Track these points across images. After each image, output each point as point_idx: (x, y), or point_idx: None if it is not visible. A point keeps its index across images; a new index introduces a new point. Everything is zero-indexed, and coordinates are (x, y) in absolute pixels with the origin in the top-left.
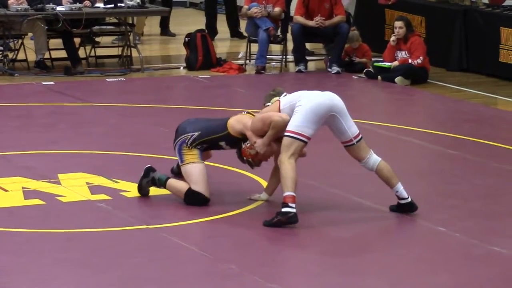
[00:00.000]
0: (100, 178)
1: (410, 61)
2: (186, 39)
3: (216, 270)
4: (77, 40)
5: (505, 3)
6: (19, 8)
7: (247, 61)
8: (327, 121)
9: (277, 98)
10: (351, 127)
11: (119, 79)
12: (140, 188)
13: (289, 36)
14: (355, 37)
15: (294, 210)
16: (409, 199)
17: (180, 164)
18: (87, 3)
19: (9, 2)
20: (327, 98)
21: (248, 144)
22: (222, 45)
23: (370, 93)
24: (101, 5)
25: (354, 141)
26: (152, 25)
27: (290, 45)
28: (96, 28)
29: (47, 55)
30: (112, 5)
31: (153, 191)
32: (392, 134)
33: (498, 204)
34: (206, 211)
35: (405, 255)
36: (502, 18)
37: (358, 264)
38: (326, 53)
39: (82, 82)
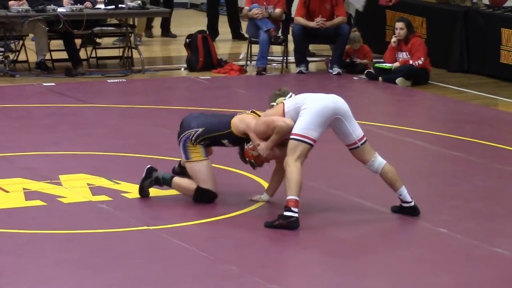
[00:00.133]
0: (101, 179)
1: (411, 62)
2: (187, 40)
3: (217, 271)
4: (78, 41)
5: (506, 4)
6: (20, 9)
7: (248, 62)
8: (332, 124)
9: (282, 98)
10: (356, 130)
11: (120, 80)
12: (141, 189)
13: (290, 37)
14: (356, 38)
15: (296, 215)
16: (412, 203)
17: (185, 160)
18: (88, 4)
19: (10, 3)
20: (332, 101)
21: (251, 146)
22: (223, 46)
23: (371, 94)
24: (102, 6)
25: (359, 143)
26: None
27: (291, 46)
28: (97, 29)
29: (48, 56)
30: (113, 6)
31: (154, 192)
32: (393, 135)
33: (499, 205)
34: (206, 212)
35: (406, 256)
36: (503, 19)
37: (359, 264)
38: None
39: (83, 83)
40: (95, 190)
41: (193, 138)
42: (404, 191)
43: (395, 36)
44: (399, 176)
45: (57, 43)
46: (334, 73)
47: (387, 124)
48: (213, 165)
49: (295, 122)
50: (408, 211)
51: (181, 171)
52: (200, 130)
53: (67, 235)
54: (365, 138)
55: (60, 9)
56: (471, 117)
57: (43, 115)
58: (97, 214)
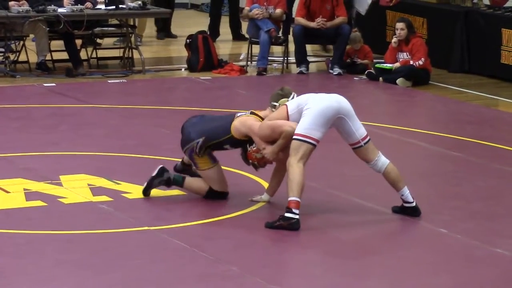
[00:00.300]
0: (101, 179)
1: (411, 62)
2: (188, 40)
3: (217, 271)
4: (78, 42)
5: (506, 5)
6: (21, 10)
7: (249, 62)
8: (335, 123)
9: (285, 100)
10: (359, 129)
11: (121, 80)
12: (148, 187)
13: (290, 37)
14: (356, 39)
15: (297, 217)
16: (414, 203)
17: (195, 168)
18: (89, 4)
19: (10, 3)
20: (335, 101)
21: (255, 148)
22: (224, 46)
23: (371, 94)
24: (102, 6)
25: (362, 143)
26: (153, 26)
27: (291, 47)
28: (97, 29)
29: (48, 57)
30: (114, 7)
31: (154, 192)
32: (393, 135)
33: (500, 205)
34: (207, 213)
35: (406, 257)
36: (503, 20)
37: (359, 265)
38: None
39: (83, 84)
40: (96, 190)
41: (197, 151)
42: (406, 191)
43: (396, 37)
44: (401, 176)
45: (57, 44)
46: (334, 73)
47: (387, 125)
48: None
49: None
50: (409, 212)
51: (184, 168)
52: (201, 140)
53: (68, 236)
54: (368, 137)
55: (60, 10)
56: (471, 118)
57: (43, 115)
58: (98, 215)
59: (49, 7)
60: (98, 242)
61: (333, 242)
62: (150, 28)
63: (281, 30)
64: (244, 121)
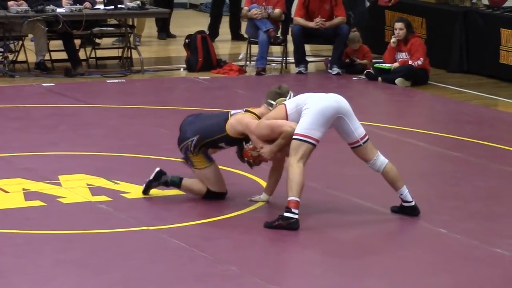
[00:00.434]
0: (100, 179)
1: (410, 62)
2: (186, 40)
3: (216, 271)
4: (77, 42)
5: (505, 5)
6: (19, 10)
7: (248, 62)
8: (334, 123)
9: (282, 99)
10: (358, 129)
11: (120, 80)
12: (147, 189)
13: (289, 37)
14: (355, 39)
15: (296, 216)
16: (413, 203)
17: (191, 167)
18: (87, 4)
19: (9, 3)
20: (334, 100)
21: (251, 146)
22: (222, 46)
23: (370, 94)
24: (101, 6)
25: (361, 142)
26: (152, 26)
27: (290, 47)
28: (96, 29)
29: (47, 57)
30: (112, 7)
31: (154, 192)
32: (392, 135)
33: (499, 205)
34: (206, 213)
35: (406, 257)
36: (502, 20)
37: (358, 265)
38: None
39: (82, 84)
40: (95, 190)
41: (191, 149)
42: (405, 191)
43: (395, 37)
44: (400, 175)
45: (56, 44)
46: (333, 73)
47: (386, 125)
48: None
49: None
50: (408, 211)
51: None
52: (196, 138)
53: (67, 236)
54: (367, 137)
55: (59, 10)
56: (470, 118)
57: (42, 115)
58: (97, 215)
59: (48, 7)
60: (97, 242)
61: (332, 242)
62: (149, 28)
63: (280, 30)
64: (240, 119)
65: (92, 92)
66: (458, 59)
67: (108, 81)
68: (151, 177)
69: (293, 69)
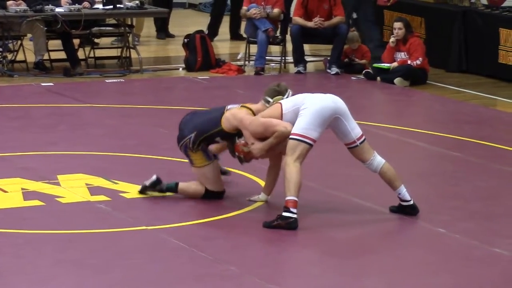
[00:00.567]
0: (99, 179)
1: (409, 62)
2: (185, 40)
3: (216, 271)
4: (76, 41)
5: (504, 4)
6: (18, 9)
7: (246, 62)
8: (331, 123)
9: (279, 97)
10: (354, 129)
11: (118, 80)
12: (143, 191)
13: (288, 37)
14: (354, 38)
15: (295, 216)
16: (411, 202)
17: (191, 165)
18: (86, 4)
19: (7, 3)
20: (331, 101)
21: (243, 141)
22: (221, 46)
23: (369, 94)
24: (100, 6)
25: (358, 142)
26: (151, 26)
27: (289, 46)
28: (95, 29)
29: (46, 56)
30: (111, 6)
31: (153, 192)
32: (391, 135)
33: (499, 205)
34: (205, 212)
35: (405, 256)
36: (501, 19)
37: (358, 265)
38: None
39: (81, 83)
40: (94, 190)
41: (190, 146)
42: (403, 190)
43: (393, 36)
44: (397, 175)
45: (55, 43)
46: (332, 73)
47: (385, 124)
48: None
49: (294, 123)
50: (407, 210)
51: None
52: (193, 135)
53: (66, 235)
54: (363, 137)
55: (58, 9)
56: (469, 117)
57: (41, 115)
58: (96, 214)
59: (47, 6)
60: (96, 241)
61: (331, 242)
62: (148, 27)
63: (279, 29)
64: (235, 114)
65: (91, 92)
66: (457, 59)
67: (107, 80)
68: (147, 183)
69: (292, 68)
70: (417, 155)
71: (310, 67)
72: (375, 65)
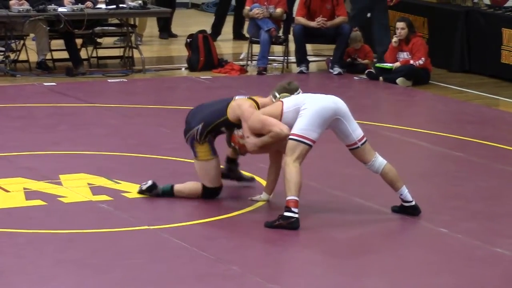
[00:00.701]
0: (101, 179)
1: (411, 62)
2: (188, 40)
3: (217, 271)
4: (78, 41)
5: (507, 4)
6: (21, 9)
7: (249, 62)
8: (332, 124)
9: (287, 95)
10: (356, 130)
11: (121, 80)
12: (140, 193)
13: (290, 37)
14: (357, 38)
15: (296, 215)
16: (413, 202)
17: (194, 157)
18: (89, 4)
19: (10, 3)
20: (332, 102)
21: (241, 133)
22: (224, 46)
23: (371, 94)
24: (103, 6)
25: (359, 144)
26: (153, 26)
27: (292, 46)
28: (98, 29)
29: (48, 56)
30: (114, 6)
31: None
32: (393, 135)
33: (501, 205)
34: (207, 212)
35: (406, 256)
36: (504, 19)
37: (359, 265)
38: None
39: (83, 83)
40: (96, 189)
41: (197, 137)
42: (405, 191)
43: (396, 36)
44: (399, 176)
45: (58, 43)
46: (334, 73)
47: (387, 124)
48: None
49: (294, 122)
50: (409, 211)
51: (230, 168)
52: (200, 126)
53: (68, 235)
54: (365, 139)
55: (61, 9)
56: (472, 117)
57: (43, 115)
58: (98, 214)
59: (50, 6)
60: (98, 241)
61: (333, 242)
62: (150, 27)
63: (282, 29)
64: (240, 104)
65: (94, 92)
66: (460, 59)
67: (109, 80)
68: (143, 188)
69: (295, 68)
70: (420, 155)
71: (312, 67)
72: (378, 65)
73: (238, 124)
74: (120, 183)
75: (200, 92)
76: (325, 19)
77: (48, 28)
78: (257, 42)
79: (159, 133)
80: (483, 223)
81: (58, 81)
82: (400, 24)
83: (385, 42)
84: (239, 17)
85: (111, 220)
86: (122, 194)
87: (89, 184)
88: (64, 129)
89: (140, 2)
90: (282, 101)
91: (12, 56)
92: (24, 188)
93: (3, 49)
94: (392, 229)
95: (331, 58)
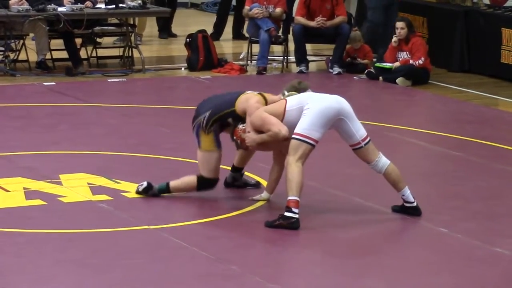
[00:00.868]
0: (101, 178)
1: (411, 62)
2: (187, 39)
3: (217, 270)
4: (78, 41)
5: (506, 4)
6: (21, 9)
7: (249, 62)
8: (335, 124)
9: (294, 94)
10: (359, 130)
11: (121, 79)
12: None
13: (290, 37)
14: (356, 38)
15: (297, 216)
16: (415, 203)
17: (198, 146)
18: (89, 3)
19: (10, 2)
20: (335, 102)
21: (243, 127)
22: (224, 45)
23: (371, 94)
24: (102, 5)
25: (362, 143)
26: (153, 25)
27: (291, 46)
28: (97, 28)
29: (48, 56)
30: (114, 6)
31: None
32: (393, 134)
33: (500, 205)
34: (207, 212)
35: (407, 256)
36: (503, 19)
37: (359, 265)
38: None
39: (83, 83)
40: (95, 189)
41: (203, 125)
42: (407, 191)
43: (396, 36)
44: (402, 176)
45: (57, 43)
46: (334, 72)
47: (387, 124)
48: None
49: (297, 121)
50: (410, 211)
51: (233, 182)
52: (207, 114)
53: (67, 235)
54: (368, 138)
55: (60, 9)
56: (471, 117)
57: (43, 114)
58: (97, 214)
59: (49, 6)
60: (97, 241)
61: (333, 242)
62: (150, 27)
63: (281, 29)
64: (248, 98)
65: (93, 91)
66: (459, 59)
67: (109, 80)
68: (139, 189)
69: (294, 68)
70: (419, 155)
71: (312, 66)
72: (377, 64)
73: (244, 118)
74: (120, 183)
75: (200, 92)
76: (325, 18)
77: (48, 27)
78: (257, 42)
79: (159, 132)
80: (482, 223)
81: (58, 80)
82: (399, 24)
83: (387, 42)
84: (239, 17)
85: (111, 220)
86: (122, 193)
87: (89, 183)
88: (64, 129)
89: (139, 1)
90: (285, 99)
91: (12, 55)
92: (24, 188)
93: (2, 48)
94: (392, 229)
95: (331, 58)
